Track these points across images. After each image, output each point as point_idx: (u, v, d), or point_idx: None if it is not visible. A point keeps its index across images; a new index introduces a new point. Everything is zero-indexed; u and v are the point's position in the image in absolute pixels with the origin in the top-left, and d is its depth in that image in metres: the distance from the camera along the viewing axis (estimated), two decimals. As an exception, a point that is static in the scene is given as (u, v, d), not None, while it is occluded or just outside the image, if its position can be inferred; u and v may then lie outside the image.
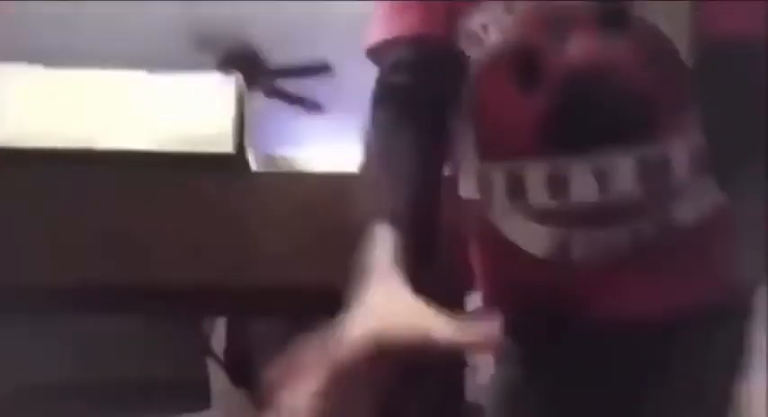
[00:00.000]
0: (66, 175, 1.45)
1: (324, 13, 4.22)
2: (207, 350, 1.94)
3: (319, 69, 4.70)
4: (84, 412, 1.63)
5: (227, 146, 1.58)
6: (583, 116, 0.87)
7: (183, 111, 1.62)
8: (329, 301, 1.57)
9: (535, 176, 0.90)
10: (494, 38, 0.90)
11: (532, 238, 0.94)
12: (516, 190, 0.92)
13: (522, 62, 0.89)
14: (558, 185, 0.89)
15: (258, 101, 4.81)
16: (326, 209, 1.42)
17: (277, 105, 5.10)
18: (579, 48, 0.86)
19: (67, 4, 4.14)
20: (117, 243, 1.41)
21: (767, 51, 0.84)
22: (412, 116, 0.96)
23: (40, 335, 1.62)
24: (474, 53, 0.93)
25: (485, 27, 0.92)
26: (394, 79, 1.00)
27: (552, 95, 0.87)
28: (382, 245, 0.83)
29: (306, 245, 1.41)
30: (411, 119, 0.96)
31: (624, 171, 0.87)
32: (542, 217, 0.92)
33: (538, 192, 0.90)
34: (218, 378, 1.91)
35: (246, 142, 1.63)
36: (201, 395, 1.79)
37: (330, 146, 5.66)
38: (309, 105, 5.05)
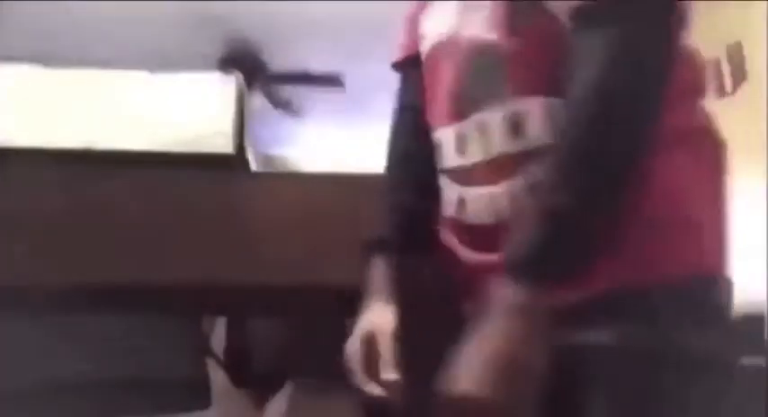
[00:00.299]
0: (66, 175, 1.45)
1: (325, 13, 4.22)
2: (207, 350, 1.94)
3: (331, 81, 4.71)
4: (84, 411, 1.63)
5: (227, 146, 1.59)
6: (470, 83, 1.00)
7: (183, 111, 1.62)
8: (328, 300, 1.58)
9: (447, 140, 1.03)
10: (436, 30, 1.07)
11: (448, 198, 1.05)
12: (439, 153, 1.06)
13: (450, 44, 1.04)
14: (461, 146, 1.01)
15: (258, 101, 4.82)
16: (325, 209, 1.42)
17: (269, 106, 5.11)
18: (472, 25, 1.01)
19: (67, 5, 4.14)
20: (117, 243, 1.41)
21: (631, 15, 0.88)
22: (406, 133, 1.16)
23: (38, 335, 1.62)
24: (424, 47, 1.09)
25: (432, 24, 1.08)
26: (394, 104, 1.20)
27: (456, 68, 1.02)
28: (375, 270, 1.07)
29: (305, 245, 1.41)
30: (405, 138, 1.16)
31: (496, 129, 0.97)
32: (452, 176, 1.04)
33: (450, 154, 1.03)
34: (218, 378, 1.91)
35: (246, 142, 1.63)
36: (201, 395, 1.79)
37: (329, 146, 5.67)
38: (290, 109, 5.03)
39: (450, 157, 1.03)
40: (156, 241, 1.41)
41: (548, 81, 0.92)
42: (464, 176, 1.01)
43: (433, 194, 1.07)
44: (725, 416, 0.90)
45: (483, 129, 0.98)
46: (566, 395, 0.90)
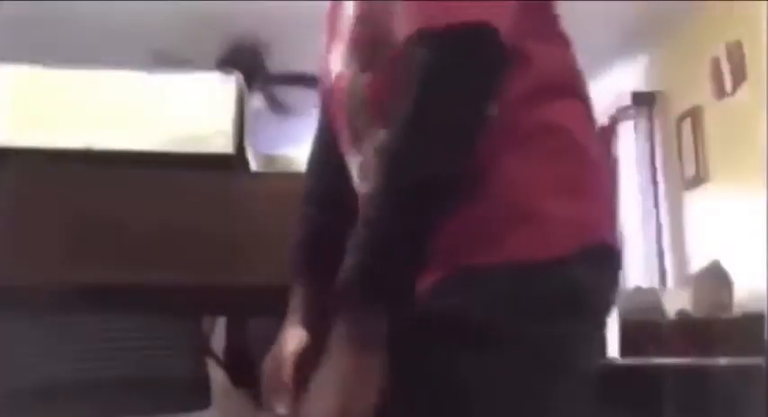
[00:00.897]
0: (66, 175, 1.45)
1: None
2: (207, 350, 1.94)
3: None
4: (83, 411, 1.63)
5: (227, 146, 1.59)
6: (353, 118, 1.07)
7: (183, 111, 1.62)
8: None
9: (354, 168, 1.10)
10: (335, 69, 1.12)
11: None
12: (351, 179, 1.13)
13: (340, 81, 1.11)
14: (361, 174, 1.08)
15: (258, 101, 4.81)
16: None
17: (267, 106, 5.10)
18: (349, 62, 1.08)
19: (68, 5, 4.14)
20: (117, 243, 1.41)
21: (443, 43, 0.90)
22: (319, 148, 1.24)
23: (38, 335, 1.62)
24: (328, 84, 1.16)
25: (333, 62, 1.14)
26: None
27: (344, 104, 1.09)
28: (292, 298, 1.15)
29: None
30: (315, 164, 1.25)
31: (368, 158, 1.03)
32: (361, 200, 1.08)
33: (356, 180, 1.10)
34: (218, 378, 1.91)
35: (246, 142, 1.63)
36: (201, 395, 1.79)
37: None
38: (280, 108, 5.03)
39: (358, 184, 1.10)
40: (156, 241, 1.41)
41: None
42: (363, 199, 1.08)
43: (341, 207, 1.12)
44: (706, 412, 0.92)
45: (366, 160, 1.04)
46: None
